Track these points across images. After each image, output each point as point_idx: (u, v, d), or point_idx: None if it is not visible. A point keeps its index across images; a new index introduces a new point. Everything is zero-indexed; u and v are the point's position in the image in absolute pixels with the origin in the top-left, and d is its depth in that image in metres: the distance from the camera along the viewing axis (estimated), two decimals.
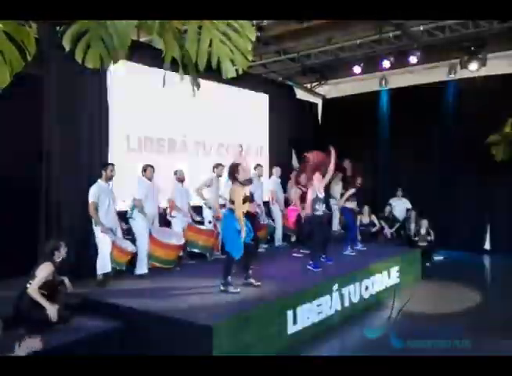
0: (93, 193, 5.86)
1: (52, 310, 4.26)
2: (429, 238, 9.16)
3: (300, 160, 11.21)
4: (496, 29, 8.27)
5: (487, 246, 10.13)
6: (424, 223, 9.26)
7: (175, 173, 7.18)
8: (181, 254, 6.90)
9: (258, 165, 8.62)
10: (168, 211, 7.04)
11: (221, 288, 5.26)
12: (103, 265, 5.80)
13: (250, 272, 5.57)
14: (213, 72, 2.49)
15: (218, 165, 7.63)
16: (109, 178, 6.08)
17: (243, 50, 2.41)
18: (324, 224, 6.82)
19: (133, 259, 6.22)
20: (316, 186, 6.59)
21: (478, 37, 8.59)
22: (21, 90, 5.35)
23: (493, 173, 9.69)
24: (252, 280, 5.50)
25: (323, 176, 6.65)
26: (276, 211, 8.75)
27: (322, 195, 6.59)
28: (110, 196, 6.05)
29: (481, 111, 9.74)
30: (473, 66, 9.30)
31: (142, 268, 6.27)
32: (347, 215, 8.15)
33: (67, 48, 2.17)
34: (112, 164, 6.16)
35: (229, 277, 5.30)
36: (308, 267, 6.42)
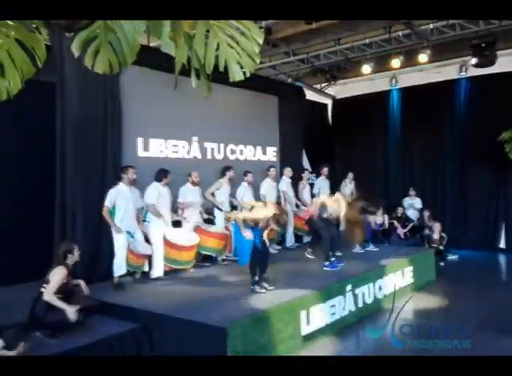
0: (109, 197, 5.81)
1: (70, 311, 4.28)
2: (442, 240, 9.07)
3: (310, 160, 11.24)
4: (507, 25, 8.18)
5: (502, 244, 10.00)
6: (437, 227, 9.15)
7: (189, 175, 7.22)
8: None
9: (271, 167, 8.67)
10: (180, 212, 7.04)
11: (251, 287, 5.37)
12: (118, 267, 5.82)
13: (266, 275, 5.56)
14: (222, 75, 2.51)
15: (228, 168, 7.69)
16: (131, 182, 6.01)
17: (251, 53, 2.41)
18: (331, 223, 7.05)
19: (151, 262, 6.27)
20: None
21: (489, 34, 8.50)
22: (35, 94, 5.48)
23: (507, 171, 9.60)
24: (265, 285, 5.44)
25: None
26: (288, 211, 8.72)
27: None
28: (130, 199, 5.96)
29: (493, 109, 9.66)
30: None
31: (157, 271, 6.27)
32: None
33: (76, 55, 2.20)
34: (132, 167, 6.07)
35: (256, 277, 5.40)
36: (325, 268, 6.46)
